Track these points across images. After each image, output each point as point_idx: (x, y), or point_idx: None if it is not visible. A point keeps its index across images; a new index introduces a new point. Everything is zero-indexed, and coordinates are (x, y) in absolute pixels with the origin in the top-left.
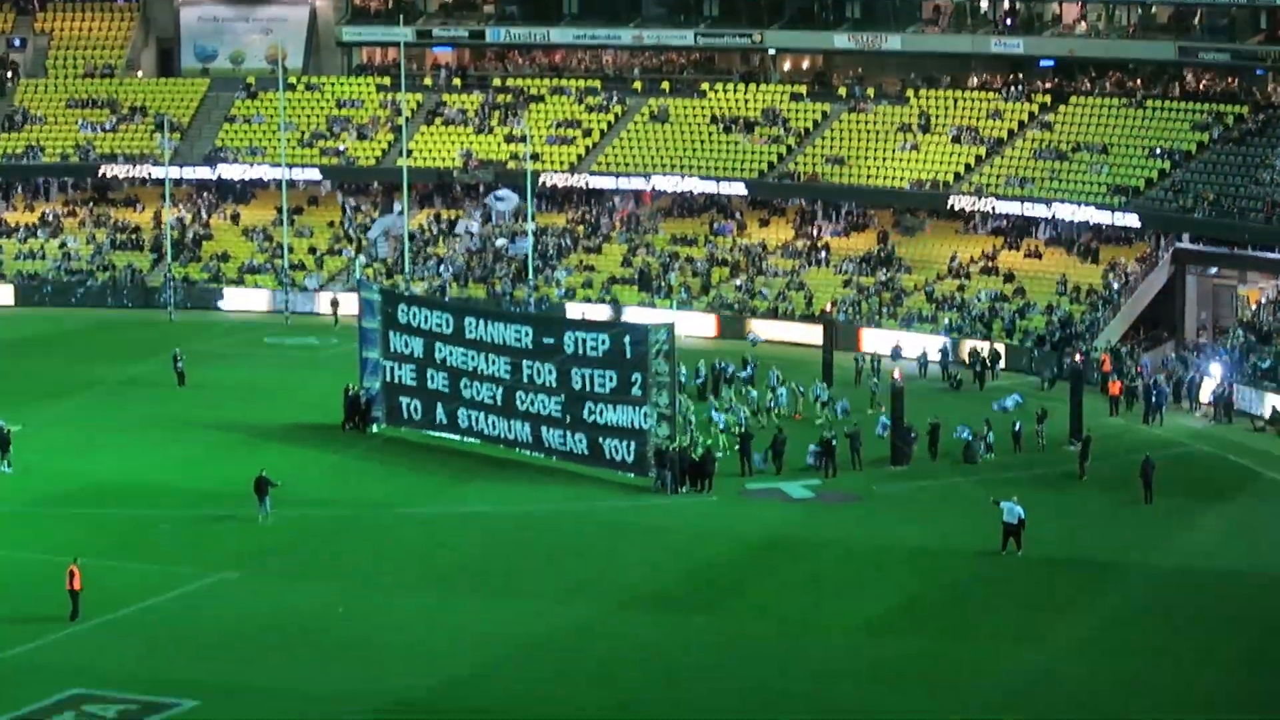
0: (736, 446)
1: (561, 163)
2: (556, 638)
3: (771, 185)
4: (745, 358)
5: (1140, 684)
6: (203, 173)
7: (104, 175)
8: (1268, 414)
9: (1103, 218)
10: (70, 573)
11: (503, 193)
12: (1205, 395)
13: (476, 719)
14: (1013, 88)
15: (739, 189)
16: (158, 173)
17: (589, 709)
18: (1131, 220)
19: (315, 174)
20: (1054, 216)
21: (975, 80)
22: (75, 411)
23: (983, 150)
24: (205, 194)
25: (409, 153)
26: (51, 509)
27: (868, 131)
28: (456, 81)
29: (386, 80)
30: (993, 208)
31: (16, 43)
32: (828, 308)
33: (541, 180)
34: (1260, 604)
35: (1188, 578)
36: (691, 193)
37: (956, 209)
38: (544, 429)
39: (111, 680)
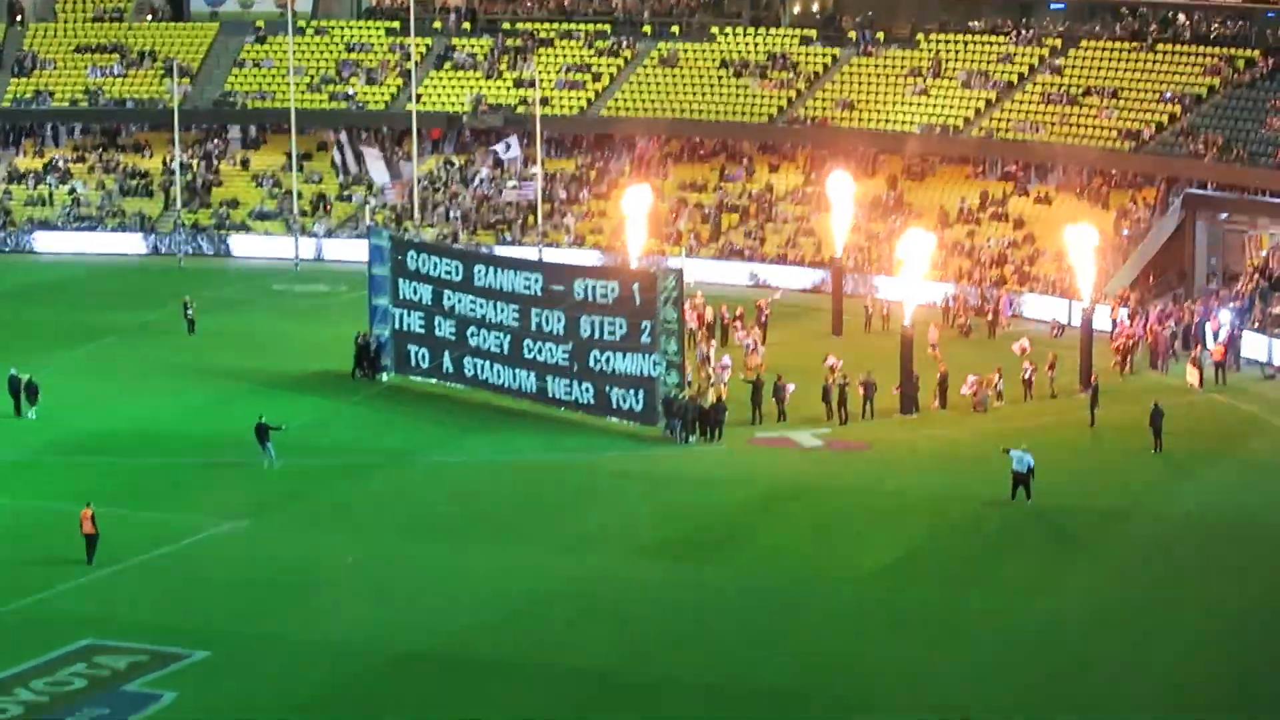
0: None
1: (571, 107)
2: (567, 587)
3: (781, 130)
4: (760, 304)
5: (1149, 633)
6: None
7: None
8: (1276, 362)
9: (1113, 162)
10: (82, 517)
11: (507, 142)
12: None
13: (488, 669)
14: (1023, 31)
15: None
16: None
17: (599, 658)
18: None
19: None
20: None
21: (985, 23)
22: (87, 359)
23: (993, 94)
24: (215, 139)
25: (418, 97)
26: (64, 457)
27: (878, 76)
28: (466, 25)
29: (396, 24)
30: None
31: None
32: (837, 254)
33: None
34: (1269, 552)
35: (1197, 526)
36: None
37: (966, 154)
38: (549, 378)
39: (123, 630)
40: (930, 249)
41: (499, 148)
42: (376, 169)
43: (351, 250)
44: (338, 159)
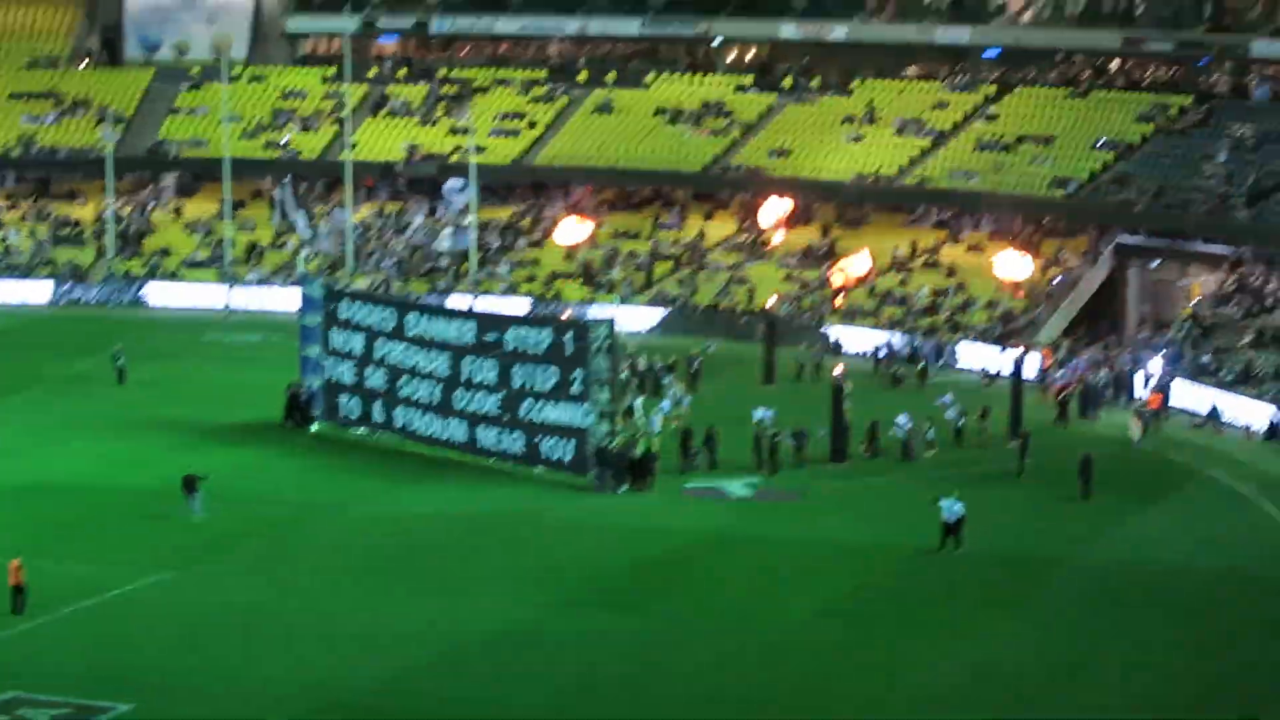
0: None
1: (506, 155)
2: (494, 637)
3: (715, 178)
4: (690, 356)
5: (1078, 677)
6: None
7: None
8: (1206, 410)
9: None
10: (9, 568)
11: (458, 183)
12: (1144, 391)
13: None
14: (957, 78)
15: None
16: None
17: (524, 708)
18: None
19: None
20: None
21: (920, 70)
22: (15, 410)
23: (927, 142)
24: (149, 187)
25: (353, 145)
26: None
27: (812, 123)
28: (401, 72)
29: (331, 71)
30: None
31: None
32: (769, 303)
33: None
34: (1197, 598)
35: (1126, 573)
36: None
37: (900, 203)
38: (479, 429)
39: (48, 683)
40: (866, 266)
41: (453, 183)
42: (299, 221)
43: (285, 299)
44: (276, 198)
